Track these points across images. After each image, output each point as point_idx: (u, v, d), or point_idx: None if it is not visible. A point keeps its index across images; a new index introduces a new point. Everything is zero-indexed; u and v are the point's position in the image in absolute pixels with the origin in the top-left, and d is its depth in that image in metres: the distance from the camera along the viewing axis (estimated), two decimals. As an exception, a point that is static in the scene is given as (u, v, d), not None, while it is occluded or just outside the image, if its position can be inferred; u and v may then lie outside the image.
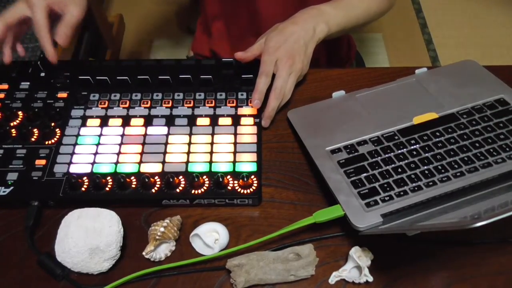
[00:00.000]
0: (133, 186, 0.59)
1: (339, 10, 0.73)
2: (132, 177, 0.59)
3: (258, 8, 0.86)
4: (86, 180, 0.59)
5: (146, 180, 0.58)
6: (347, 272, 0.54)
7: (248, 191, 0.58)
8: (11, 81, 0.71)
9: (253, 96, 0.66)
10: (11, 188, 0.59)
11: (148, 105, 0.68)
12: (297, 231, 0.57)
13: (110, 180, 0.59)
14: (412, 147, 0.61)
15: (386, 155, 0.60)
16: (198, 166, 0.61)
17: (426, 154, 0.60)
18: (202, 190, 0.58)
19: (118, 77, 0.70)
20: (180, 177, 0.59)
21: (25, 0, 0.66)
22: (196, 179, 0.57)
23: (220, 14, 0.92)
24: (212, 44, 0.99)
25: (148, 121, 0.66)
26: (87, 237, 0.53)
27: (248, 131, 0.64)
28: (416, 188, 0.56)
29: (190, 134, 0.64)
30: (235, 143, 0.63)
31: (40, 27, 0.65)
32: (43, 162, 0.61)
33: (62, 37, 0.66)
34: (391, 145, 0.62)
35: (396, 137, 0.63)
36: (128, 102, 0.68)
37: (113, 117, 0.66)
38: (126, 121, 0.66)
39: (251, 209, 0.60)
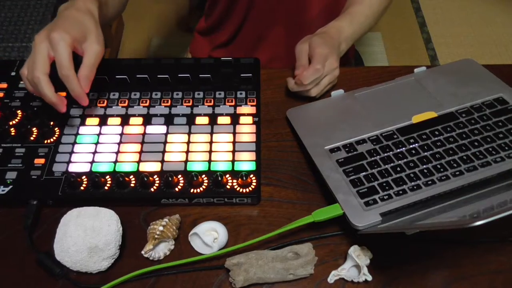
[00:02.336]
0: (132, 185, 0.59)
1: (354, 26, 0.74)
2: (131, 176, 0.59)
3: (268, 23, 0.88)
4: (85, 179, 0.59)
5: (145, 179, 0.58)
6: (346, 271, 0.54)
7: (247, 190, 0.58)
8: (10, 80, 0.70)
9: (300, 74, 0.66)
10: (10, 187, 0.59)
11: (147, 104, 0.68)
12: (296, 230, 0.57)
13: (109, 179, 0.59)
14: (411, 146, 0.61)
15: (385, 154, 0.60)
16: (197, 165, 0.61)
17: (425, 153, 0.60)
18: (201, 189, 0.58)
19: (117, 76, 0.70)
20: (179, 176, 0.59)
21: (46, 37, 0.56)
22: (195, 178, 0.57)
23: (225, 25, 0.92)
24: (211, 51, 0.99)
25: (147, 120, 0.66)
26: (86, 236, 0.52)
27: (247, 130, 0.64)
28: (415, 187, 0.56)
29: (189, 133, 0.64)
30: (234, 142, 0.63)
31: (65, 67, 0.55)
32: (42, 161, 0.61)
33: (85, 81, 0.57)
34: (390, 144, 0.62)
35: (395, 136, 0.63)
36: (127, 101, 0.68)
37: (112, 116, 0.66)
38: (125, 120, 0.66)
39: (250, 208, 0.60)
